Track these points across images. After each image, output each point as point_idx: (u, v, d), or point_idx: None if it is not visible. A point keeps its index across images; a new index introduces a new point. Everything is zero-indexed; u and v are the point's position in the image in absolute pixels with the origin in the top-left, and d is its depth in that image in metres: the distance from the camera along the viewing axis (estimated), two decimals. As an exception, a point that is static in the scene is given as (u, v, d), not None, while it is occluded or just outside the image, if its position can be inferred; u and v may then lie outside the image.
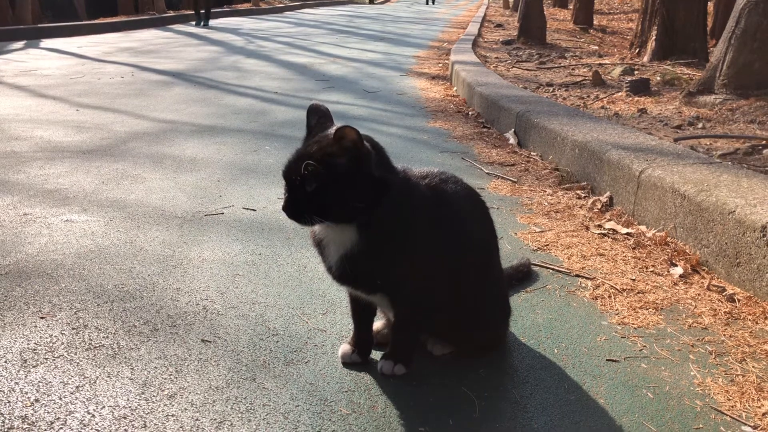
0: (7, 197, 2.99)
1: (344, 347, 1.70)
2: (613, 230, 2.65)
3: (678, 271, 2.26)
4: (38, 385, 1.56)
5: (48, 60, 8.94)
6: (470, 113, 5.35)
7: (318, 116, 1.53)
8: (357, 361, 1.68)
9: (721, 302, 2.06)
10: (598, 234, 2.63)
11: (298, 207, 1.44)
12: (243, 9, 22.49)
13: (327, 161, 1.40)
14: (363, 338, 1.70)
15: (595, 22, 15.52)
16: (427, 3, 31.66)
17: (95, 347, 1.73)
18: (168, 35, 13.44)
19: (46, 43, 11.47)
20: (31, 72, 7.57)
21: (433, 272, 1.56)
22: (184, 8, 21.44)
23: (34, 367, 1.63)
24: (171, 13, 18.62)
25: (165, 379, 1.60)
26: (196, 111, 5.29)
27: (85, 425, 1.42)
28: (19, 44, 11.21)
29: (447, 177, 1.66)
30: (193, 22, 16.15)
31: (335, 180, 1.40)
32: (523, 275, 2.22)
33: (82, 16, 19.24)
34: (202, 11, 15.82)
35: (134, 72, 7.64)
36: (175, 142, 4.16)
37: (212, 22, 16.23)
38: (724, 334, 1.87)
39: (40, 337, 1.78)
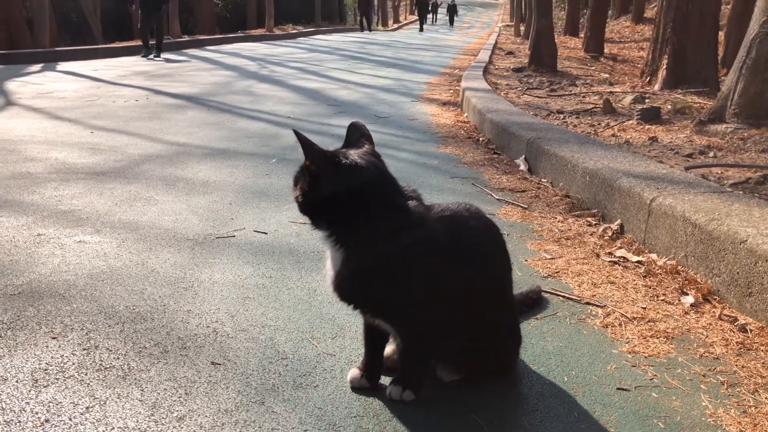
0: (21, 218, 3.02)
1: (353, 372, 1.70)
2: (624, 258, 2.65)
3: (689, 300, 2.25)
4: (49, 405, 1.56)
5: (64, 82, 9.08)
6: (481, 139, 5.38)
7: (359, 134, 1.67)
8: (366, 385, 1.68)
9: (733, 332, 2.04)
10: (609, 262, 2.62)
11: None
12: (256, 34, 22.81)
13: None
14: (372, 363, 1.69)
15: (606, 51, 15.61)
16: (420, 30, 36.10)
17: (106, 368, 1.74)
18: (182, 59, 13.61)
19: (63, 66, 11.67)
20: (47, 94, 7.69)
21: (433, 302, 1.56)
22: (198, 33, 21.77)
23: (45, 387, 1.64)
24: (186, 38, 18.89)
25: (174, 401, 1.60)
26: (209, 134, 5.34)
27: (94, 446, 1.42)
28: (37, 67, 11.41)
29: (461, 208, 1.67)
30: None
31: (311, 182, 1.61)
32: (534, 302, 2.21)
33: (98, 40, 19.59)
34: (152, 42, 13.80)
35: (148, 95, 7.74)
36: (187, 165, 4.20)
37: (227, 47, 16.23)
38: (736, 365, 1.86)
39: (52, 357, 1.79)
